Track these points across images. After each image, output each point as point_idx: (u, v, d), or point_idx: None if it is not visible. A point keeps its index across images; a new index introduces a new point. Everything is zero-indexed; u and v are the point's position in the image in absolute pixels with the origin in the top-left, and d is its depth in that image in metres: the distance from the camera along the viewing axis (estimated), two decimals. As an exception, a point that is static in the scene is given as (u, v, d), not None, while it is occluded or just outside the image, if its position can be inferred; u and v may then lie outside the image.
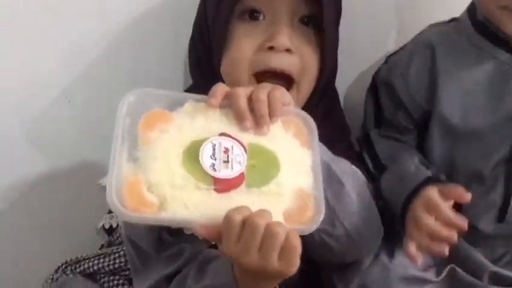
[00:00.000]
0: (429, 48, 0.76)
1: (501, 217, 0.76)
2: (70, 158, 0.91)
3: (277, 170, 0.57)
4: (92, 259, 0.82)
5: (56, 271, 0.83)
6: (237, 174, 0.55)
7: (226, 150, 0.56)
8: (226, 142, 0.57)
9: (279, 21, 0.70)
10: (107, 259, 0.81)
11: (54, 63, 0.84)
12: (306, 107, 0.71)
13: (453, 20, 0.79)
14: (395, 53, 0.82)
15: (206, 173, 0.55)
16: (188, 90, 0.79)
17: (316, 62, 0.72)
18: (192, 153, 0.56)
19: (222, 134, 0.57)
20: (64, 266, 0.83)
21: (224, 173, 0.55)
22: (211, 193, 0.54)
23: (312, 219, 0.54)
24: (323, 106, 0.76)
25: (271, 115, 0.58)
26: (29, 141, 0.90)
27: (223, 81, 0.67)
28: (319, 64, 0.72)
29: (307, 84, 0.72)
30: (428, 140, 0.77)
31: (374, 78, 0.83)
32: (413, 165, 0.71)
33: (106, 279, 0.81)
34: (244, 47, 0.70)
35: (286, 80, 0.70)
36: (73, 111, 0.89)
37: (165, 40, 0.89)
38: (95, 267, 0.81)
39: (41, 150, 0.92)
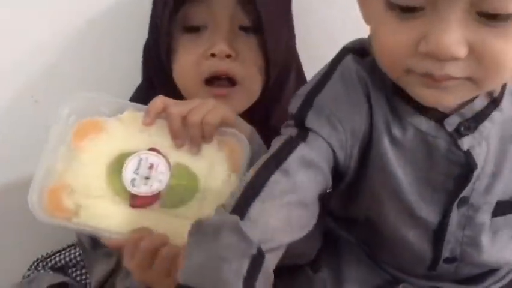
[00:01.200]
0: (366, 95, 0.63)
1: (432, 269, 0.70)
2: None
3: (193, 194, 0.58)
4: (62, 252, 0.87)
5: (29, 269, 0.89)
6: (154, 193, 0.57)
7: (151, 167, 0.58)
8: (153, 158, 0.59)
9: (219, 30, 0.74)
10: (73, 250, 0.85)
11: (17, 61, 0.87)
12: (262, 105, 0.77)
13: (365, 52, 0.63)
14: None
15: (125, 187, 0.57)
16: (139, 89, 0.82)
17: (259, 63, 0.76)
18: (118, 165, 0.58)
19: (151, 149, 0.59)
20: (35, 263, 0.88)
21: (142, 189, 0.57)
22: (125, 207, 0.57)
23: None
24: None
25: (204, 138, 0.58)
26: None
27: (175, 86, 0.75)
28: (264, 65, 0.76)
29: (253, 85, 0.76)
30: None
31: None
32: None
33: (78, 272, 0.86)
34: (189, 57, 0.75)
35: (232, 83, 0.75)
36: (36, 109, 0.90)
37: (123, 40, 0.89)
38: (65, 260, 0.86)
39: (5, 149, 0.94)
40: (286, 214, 0.56)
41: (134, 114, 0.61)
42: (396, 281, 0.70)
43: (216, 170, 0.60)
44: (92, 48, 0.88)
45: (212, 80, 0.74)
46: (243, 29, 0.75)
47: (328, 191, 0.65)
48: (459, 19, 0.50)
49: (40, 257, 0.88)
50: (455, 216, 0.65)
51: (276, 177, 0.56)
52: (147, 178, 0.58)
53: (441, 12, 0.50)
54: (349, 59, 0.63)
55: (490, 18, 0.49)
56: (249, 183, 0.56)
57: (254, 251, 0.49)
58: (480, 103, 0.61)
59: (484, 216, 0.66)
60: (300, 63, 0.86)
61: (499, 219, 0.67)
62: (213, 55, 0.73)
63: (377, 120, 0.62)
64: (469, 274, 0.71)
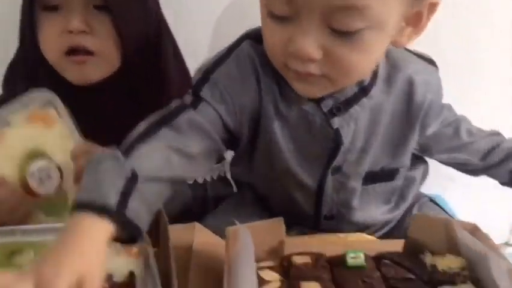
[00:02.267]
0: (255, 74, 0.74)
1: (317, 226, 0.85)
2: None
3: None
4: None
5: None
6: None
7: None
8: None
9: (74, 9, 0.84)
10: None
11: None
12: (129, 73, 0.89)
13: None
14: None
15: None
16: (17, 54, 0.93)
17: (113, 37, 0.86)
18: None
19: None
20: None
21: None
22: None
23: None
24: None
25: None
26: None
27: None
28: (119, 38, 0.86)
29: (109, 56, 0.87)
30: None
31: None
32: None
33: None
34: (49, 33, 0.86)
35: (89, 53, 0.85)
36: None
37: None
38: None
39: None
40: (167, 156, 0.65)
41: None
42: (290, 225, 0.78)
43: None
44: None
45: (71, 52, 0.85)
46: (97, 7, 0.85)
47: (223, 154, 0.82)
48: (315, 29, 0.62)
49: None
50: (330, 181, 0.80)
51: (165, 131, 0.67)
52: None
53: (303, 23, 0.62)
54: (246, 43, 0.75)
55: (339, 32, 0.62)
56: (139, 134, 0.66)
57: (129, 174, 0.60)
58: (351, 90, 0.74)
59: (355, 183, 0.81)
60: (173, 39, 0.97)
61: (369, 187, 0.81)
62: (70, 31, 0.83)
63: (265, 99, 0.74)
64: (349, 231, 0.84)
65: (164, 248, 0.63)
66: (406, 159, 0.84)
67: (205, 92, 0.73)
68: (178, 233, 0.69)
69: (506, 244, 1.43)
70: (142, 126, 0.67)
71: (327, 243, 0.68)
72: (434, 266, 0.63)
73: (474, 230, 0.66)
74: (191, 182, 0.95)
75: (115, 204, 0.57)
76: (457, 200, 1.20)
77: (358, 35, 0.62)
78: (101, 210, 0.55)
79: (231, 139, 0.77)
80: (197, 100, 0.72)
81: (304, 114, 0.75)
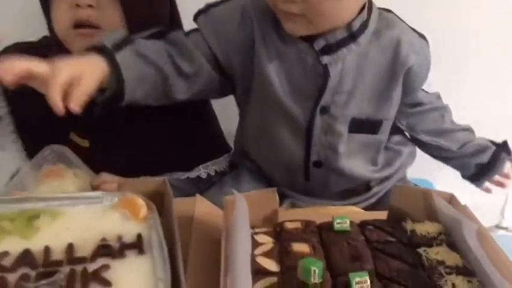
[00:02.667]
0: (249, 20, 0.87)
1: (307, 177, 0.94)
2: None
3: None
4: None
5: None
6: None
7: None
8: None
9: None
10: None
11: None
12: None
13: None
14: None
15: None
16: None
17: (118, 13, 0.92)
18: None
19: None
20: None
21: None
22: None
23: None
24: None
25: None
26: None
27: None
28: (122, 15, 0.92)
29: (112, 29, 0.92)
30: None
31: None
32: None
33: None
34: (59, 8, 0.92)
35: (94, 27, 0.91)
36: None
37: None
38: None
39: None
40: (161, 52, 0.84)
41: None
42: (284, 196, 0.95)
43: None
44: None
45: (79, 26, 0.91)
46: None
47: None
48: None
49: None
50: (319, 121, 0.88)
51: (162, 42, 0.86)
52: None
53: None
54: None
55: None
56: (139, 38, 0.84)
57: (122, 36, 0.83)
58: (340, 34, 0.85)
59: (341, 127, 0.89)
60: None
61: (355, 136, 0.89)
62: (77, 5, 0.90)
63: (259, 42, 0.86)
64: (337, 188, 0.94)
65: (168, 216, 0.69)
66: (389, 113, 0.92)
67: (200, 20, 0.88)
68: (181, 204, 0.75)
69: (497, 227, 1.50)
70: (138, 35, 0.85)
71: (318, 214, 0.74)
72: (413, 231, 0.69)
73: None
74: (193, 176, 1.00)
75: (110, 47, 0.78)
76: (448, 185, 1.27)
77: None
78: (98, 49, 0.77)
79: (222, 75, 0.90)
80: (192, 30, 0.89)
81: (298, 53, 0.86)
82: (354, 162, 0.93)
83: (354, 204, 0.95)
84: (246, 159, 1.03)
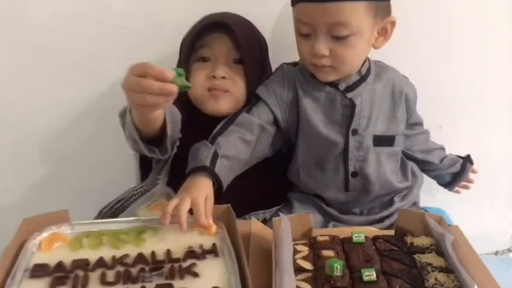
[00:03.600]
0: (292, 81, 1.24)
1: (347, 188, 1.25)
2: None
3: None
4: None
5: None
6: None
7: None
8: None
9: (218, 61, 1.25)
10: None
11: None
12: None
13: (297, 63, 1.27)
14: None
15: None
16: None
17: (243, 83, 1.26)
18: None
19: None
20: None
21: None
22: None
23: None
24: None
25: None
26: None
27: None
28: (246, 84, 1.26)
29: (239, 95, 1.26)
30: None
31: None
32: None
33: None
34: (199, 76, 1.25)
35: (225, 91, 1.24)
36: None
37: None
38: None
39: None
40: (234, 142, 1.15)
41: None
42: (329, 219, 1.27)
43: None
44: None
45: (211, 89, 1.24)
46: (235, 61, 1.25)
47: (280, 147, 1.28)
48: (324, 38, 1.11)
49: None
50: (352, 141, 1.22)
51: (232, 127, 1.18)
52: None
53: (317, 36, 1.11)
54: (284, 64, 1.28)
55: (336, 38, 1.10)
56: (217, 131, 1.17)
57: (213, 150, 1.10)
58: (355, 78, 1.22)
59: (367, 142, 1.23)
60: None
61: (378, 148, 1.22)
62: (214, 76, 1.23)
63: (300, 94, 1.22)
64: (370, 196, 1.26)
65: (233, 231, 0.96)
66: (398, 129, 1.26)
67: (260, 90, 1.25)
68: (240, 225, 1.02)
69: (509, 250, 1.69)
70: (219, 126, 1.18)
71: (343, 233, 1.00)
72: (412, 243, 0.94)
73: (440, 220, 0.97)
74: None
75: (208, 164, 1.06)
76: (461, 213, 1.47)
77: (348, 39, 1.10)
78: (201, 169, 1.05)
79: (280, 130, 1.25)
80: (256, 99, 1.25)
81: (329, 95, 1.22)
82: (381, 169, 1.25)
83: (381, 219, 1.27)
84: (296, 193, 1.32)
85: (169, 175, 1.25)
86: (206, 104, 1.26)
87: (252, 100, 1.26)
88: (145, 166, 1.32)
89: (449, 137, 1.49)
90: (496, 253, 1.67)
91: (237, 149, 1.15)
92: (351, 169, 1.23)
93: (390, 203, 1.29)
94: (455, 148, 1.46)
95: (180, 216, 0.94)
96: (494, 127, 1.60)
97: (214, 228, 0.97)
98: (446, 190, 1.48)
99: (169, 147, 1.11)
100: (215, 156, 1.09)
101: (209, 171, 1.05)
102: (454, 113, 1.57)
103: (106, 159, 1.54)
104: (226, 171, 1.10)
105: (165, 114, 1.04)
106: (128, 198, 1.25)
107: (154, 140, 1.09)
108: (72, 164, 1.57)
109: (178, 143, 1.16)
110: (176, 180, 1.16)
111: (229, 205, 1.02)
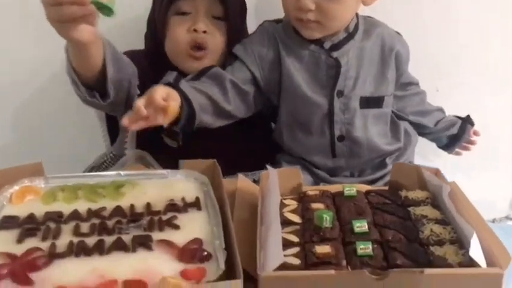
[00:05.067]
0: (273, 38, 1.18)
1: (334, 153, 1.19)
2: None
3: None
4: None
5: None
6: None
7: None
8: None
9: (199, 15, 1.18)
10: None
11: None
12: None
13: (280, 21, 1.20)
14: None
15: None
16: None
17: (223, 40, 1.20)
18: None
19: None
20: None
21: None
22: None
23: None
24: None
25: None
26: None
27: (167, 56, 1.20)
28: (226, 41, 1.20)
29: (219, 51, 1.20)
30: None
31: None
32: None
33: None
34: (179, 29, 1.18)
35: (203, 49, 1.17)
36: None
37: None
38: None
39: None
40: (204, 84, 1.10)
41: None
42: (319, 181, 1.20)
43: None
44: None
45: (192, 47, 1.17)
46: (215, 17, 1.18)
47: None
48: None
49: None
50: (337, 103, 1.15)
51: (204, 79, 1.12)
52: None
53: None
54: (266, 22, 1.22)
55: None
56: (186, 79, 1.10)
57: (174, 75, 1.08)
58: (342, 35, 1.15)
59: (354, 104, 1.16)
60: None
61: (365, 110, 1.15)
62: (195, 30, 1.16)
63: (282, 53, 1.15)
64: (359, 161, 1.19)
65: (218, 185, 0.91)
66: (387, 90, 1.19)
67: (237, 49, 1.19)
68: (227, 182, 0.96)
69: (507, 218, 1.65)
70: (188, 77, 1.12)
71: (334, 188, 0.95)
72: (406, 197, 0.89)
73: (437, 172, 0.92)
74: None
75: (172, 80, 1.04)
76: (458, 179, 1.43)
77: None
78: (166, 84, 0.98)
79: (260, 90, 1.17)
80: (233, 58, 1.19)
81: (313, 53, 1.15)
82: (369, 133, 1.18)
83: (373, 180, 1.20)
84: (285, 155, 1.26)
85: (137, 137, 1.18)
86: (186, 64, 1.19)
87: (230, 60, 1.20)
88: (114, 129, 1.25)
89: (446, 100, 1.42)
90: (494, 221, 1.63)
91: (207, 89, 1.09)
92: (337, 133, 1.17)
93: (382, 165, 1.23)
94: (451, 108, 1.40)
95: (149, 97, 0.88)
96: (493, 90, 1.56)
97: (172, 107, 0.90)
98: (443, 156, 1.43)
99: (111, 92, 1.01)
100: (178, 78, 1.06)
101: (172, 86, 0.98)
102: (452, 76, 1.52)
103: (81, 119, 1.47)
104: (194, 93, 1.04)
105: (105, 56, 0.98)
106: (99, 165, 1.20)
107: (97, 85, 1.02)
108: (48, 121, 1.51)
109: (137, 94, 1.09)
110: (147, 142, 1.11)
111: (215, 160, 0.97)
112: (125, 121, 0.87)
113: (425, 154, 1.45)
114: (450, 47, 1.49)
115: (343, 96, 1.15)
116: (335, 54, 1.14)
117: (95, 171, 1.17)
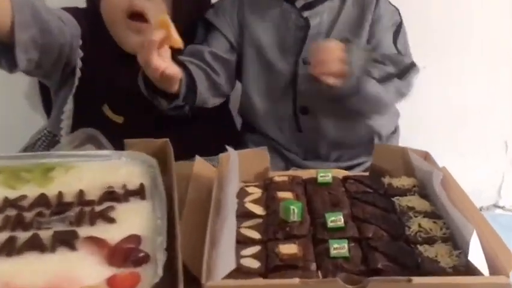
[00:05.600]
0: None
1: (298, 127, 1.05)
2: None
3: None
4: None
5: None
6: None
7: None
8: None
9: None
10: None
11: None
12: None
13: None
14: None
15: None
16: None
17: (167, 6, 0.99)
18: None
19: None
20: None
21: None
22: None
23: None
24: None
25: None
26: None
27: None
28: (172, 9, 0.99)
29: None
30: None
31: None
32: None
33: None
34: None
35: (143, 20, 0.98)
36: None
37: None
38: None
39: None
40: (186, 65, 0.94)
41: None
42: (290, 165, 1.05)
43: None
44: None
45: (131, 17, 0.98)
46: None
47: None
48: None
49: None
50: (302, 71, 1.00)
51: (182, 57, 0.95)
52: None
53: None
54: None
55: None
56: None
57: None
58: None
59: None
60: None
61: None
62: None
63: (247, 8, 1.04)
64: (328, 138, 1.04)
65: (168, 170, 0.77)
66: None
67: (209, 14, 1.05)
68: (183, 166, 0.82)
69: (495, 206, 1.54)
70: None
71: (307, 173, 0.81)
72: (390, 184, 0.76)
73: (426, 156, 0.78)
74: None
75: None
76: (447, 166, 1.33)
77: None
78: None
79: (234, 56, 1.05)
80: (204, 27, 1.06)
81: (283, 12, 1.02)
82: (337, 106, 1.00)
83: (352, 166, 1.06)
84: (253, 134, 1.11)
85: (79, 113, 1.00)
86: (124, 38, 1.01)
87: (198, 29, 1.05)
88: (49, 102, 1.09)
89: (432, 78, 1.32)
90: (481, 209, 1.52)
91: (191, 64, 0.96)
92: (300, 103, 1.03)
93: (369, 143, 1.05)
94: (440, 91, 1.34)
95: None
96: (481, 71, 1.45)
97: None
98: (430, 141, 1.30)
99: (22, 58, 0.84)
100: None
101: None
102: (439, 54, 1.41)
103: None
104: (188, 63, 0.94)
105: (13, 18, 0.80)
106: (32, 145, 1.04)
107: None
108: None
109: (79, 67, 0.94)
110: (85, 120, 0.96)
111: (167, 139, 0.82)
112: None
113: (411, 136, 1.32)
114: (438, 25, 1.39)
115: (310, 64, 0.97)
116: (306, 13, 1.01)
117: (30, 152, 1.00)
